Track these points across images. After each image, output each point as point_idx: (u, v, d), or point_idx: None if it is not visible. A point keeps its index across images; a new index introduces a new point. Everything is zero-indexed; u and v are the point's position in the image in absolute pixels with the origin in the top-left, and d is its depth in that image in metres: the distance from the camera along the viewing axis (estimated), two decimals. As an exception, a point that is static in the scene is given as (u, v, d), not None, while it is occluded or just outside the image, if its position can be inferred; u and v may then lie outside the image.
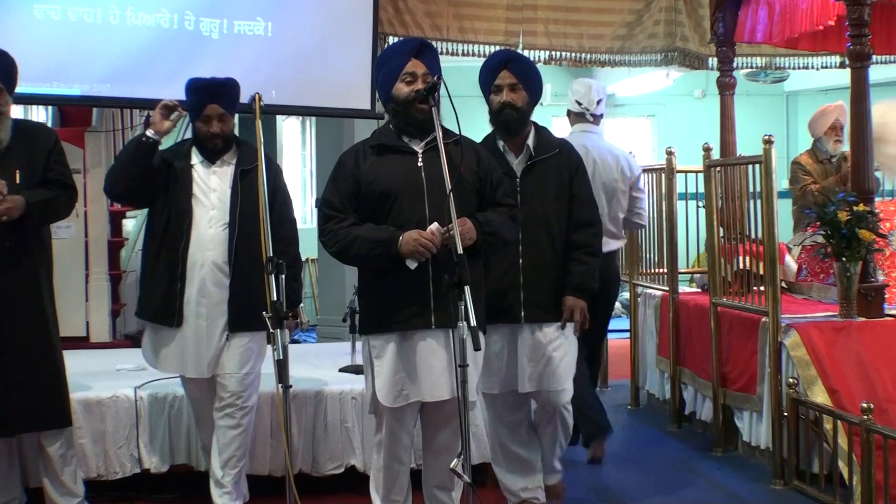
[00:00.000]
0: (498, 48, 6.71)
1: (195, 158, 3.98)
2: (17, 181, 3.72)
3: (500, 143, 3.89)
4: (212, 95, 3.91)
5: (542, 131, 3.94)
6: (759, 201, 4.73)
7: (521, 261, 3.80)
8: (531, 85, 3.86)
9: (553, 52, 6.88)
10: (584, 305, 3.84)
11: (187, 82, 3.95)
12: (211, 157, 3.97)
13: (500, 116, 3.84)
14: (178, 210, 3.88)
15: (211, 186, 3.94)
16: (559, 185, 3.87)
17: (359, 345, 4.85)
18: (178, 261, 3.85)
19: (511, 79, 3.82)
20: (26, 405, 3.74)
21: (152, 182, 3.88)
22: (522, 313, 3.79)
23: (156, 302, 3.91)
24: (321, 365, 4.88)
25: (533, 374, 3.83)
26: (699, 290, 6.09)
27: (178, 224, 3.87)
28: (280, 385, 3.13)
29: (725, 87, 5.87)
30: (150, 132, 3.81)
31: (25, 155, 3.81)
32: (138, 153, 3.83)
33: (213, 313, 3.86)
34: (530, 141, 3.89)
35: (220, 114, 3.92)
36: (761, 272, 4.77)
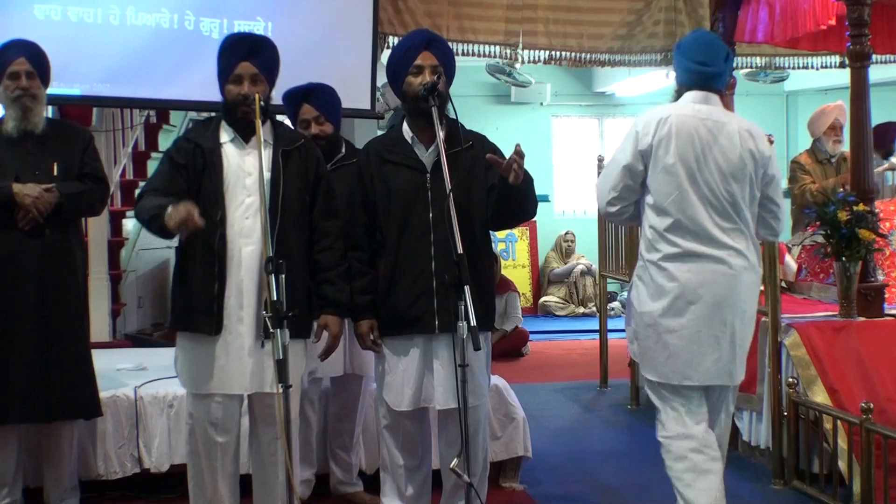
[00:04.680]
0: (498, 48, 6.76)
1: (225, 136, 3.41)
2: (55, 173, 3.83)
3: (409, 135, 3.49)
4: (245, 52, 3.34)
5: (450, 122, 3.51)
6: (758, 201, 4.72)
7: (433, 264, 3.38)
8: (451, 71, 3.50)
9: (553, 52, 6.88)
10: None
11: (222, 41, 3.43)
12: (244, 134, 3.40)
13: (421, 102, 3.35)
14: (207, 199, 3.33)
15: (246, 169, 3.38)
16: (476, 179, 3.47)
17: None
18: (213, 259, 3.32)
19: (433, 60, 3.42)
20: (65, 393, 3.82)
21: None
22: (436, 322, 3.37)
23: (191, 307, 3.35)
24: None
25: (451, 389, 3.32)
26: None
27: (209, 216, 3.29)
28: (280, 385, 3.12)
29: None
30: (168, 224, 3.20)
31: (63, 150, 3.89)
32: (155, 231, 3.33)
33: (254, 318, 3.34)
34: (440, 133, 3.38)
35: (253, 74, 3.33)
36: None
